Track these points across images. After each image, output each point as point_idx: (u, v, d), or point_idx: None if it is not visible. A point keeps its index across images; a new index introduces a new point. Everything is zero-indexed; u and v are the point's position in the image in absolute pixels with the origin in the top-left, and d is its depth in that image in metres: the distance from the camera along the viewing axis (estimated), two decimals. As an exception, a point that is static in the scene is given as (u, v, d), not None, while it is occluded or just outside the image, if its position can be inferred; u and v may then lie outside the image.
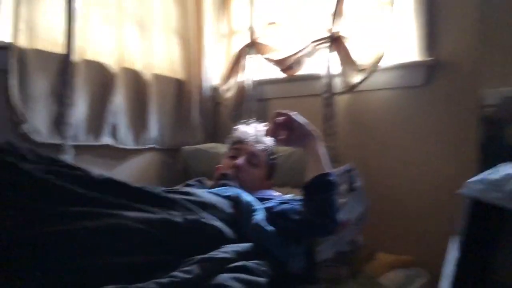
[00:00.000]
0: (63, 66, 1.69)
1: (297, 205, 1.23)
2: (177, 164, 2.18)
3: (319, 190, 1.21)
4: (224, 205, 1.19)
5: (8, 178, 0.86)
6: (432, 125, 1.77)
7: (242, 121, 1.73)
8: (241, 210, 1.19)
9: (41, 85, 1.64)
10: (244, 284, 0.91)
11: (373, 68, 1.77)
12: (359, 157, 1.88)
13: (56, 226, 0.84)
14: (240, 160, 1.51)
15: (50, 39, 1.68)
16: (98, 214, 0.90)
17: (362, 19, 1.87)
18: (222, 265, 0.95)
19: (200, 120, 2.33)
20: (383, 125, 1.90)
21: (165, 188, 1.22)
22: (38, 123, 1.63)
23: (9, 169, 0.87)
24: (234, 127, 1.69)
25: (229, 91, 2.27)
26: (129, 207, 0.96)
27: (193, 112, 2.29)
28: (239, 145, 1.58)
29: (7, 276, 0.78)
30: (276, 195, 1.51)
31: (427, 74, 1.77)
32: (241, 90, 2.24)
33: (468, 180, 0.85)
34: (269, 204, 1.30)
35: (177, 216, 1.00)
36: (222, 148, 1.98)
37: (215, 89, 2.42)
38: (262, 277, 0.98)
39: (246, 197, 1.25)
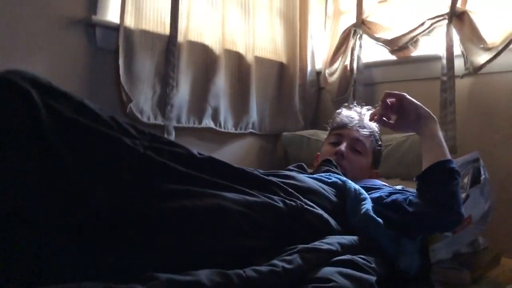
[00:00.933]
0: (167, 47, 1.72)
1: (411, 196, 1.08)
2: (277, 150, 2.14)
3: (439, 180, 1.05)
4: (329, 192, 1.09)
5: (110, 152, 0.85)
6: None
7: (344, 105, 1.62)
8: (349, 198, 1.08)
9: (146, 65, 1.67)
10: (351, 281, 0.81)
11: (504, 46, 1.54)
12: (481, 149, 1.67)
13: (155, 204, 0.81)
14: (343, 147, 1.39)
15: (156, 20, 1.71)
16: (198, 193, 0.85)
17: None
18: (327, 257, 0.86)
19: (301, 105, 2.26)
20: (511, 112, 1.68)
21: (265, 171, 1.14)
22: (143, 103, 1.67)
23: (112, 143, 0.85)
24: (336, 112, 1.58)
25: (333, 75, 2.17)
26: (229, 187, 0.91)
27: (295, 97, 2.23)
28: (342, 130, 1.46)
29: (105, 252, 0.75)
30: (383, 185, 1.36)
31: None
32: (347, 74, 2.14)
33: None
34: (377, 193, 1.16)
35: (278, 201, 0.92)
36: (323, 135, 1.90)
37: (318, 74, 2.34)
38: (371, 275, 0.87)
39: (353, 184, 1.13)
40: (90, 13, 1.57)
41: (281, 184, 0.99)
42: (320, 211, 0.99)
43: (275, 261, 0.80)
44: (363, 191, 1.12)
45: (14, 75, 0.79)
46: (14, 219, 0.69)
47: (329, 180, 1.15)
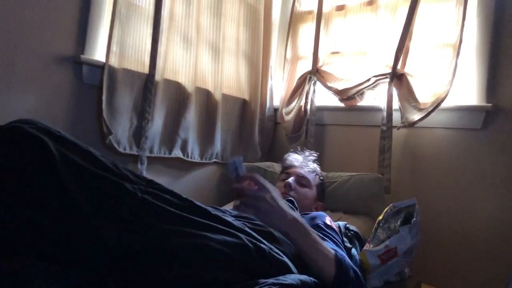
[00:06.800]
0: (145, 84, 1.86)
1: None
2: (236, 179, 2.32)
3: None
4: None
5: (114, 195, 1.02)
6: (485, 168, 1.82)
7: (291, 150, 1.91)
8: None
9: (126, 100, 1.80)
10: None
11: (433, 108, 1.81)
12: (410, 191, 1.96)
13: (153, 241, 0.99)
14: (291, 180, 1.66)
15: (137, 60, 1.85)
16: (187, 233, 1.04)
17: (426, 59, 1.94)
18: (289, 289, 1.07)
19: (259, 138, 2.46)
20: (437, 162, 1.96)
21: (236, 213, 1.34)
22: (120, 134, 1.80)
23: (115, 188, 1.03)
24: (285, 155, 1.86)
25: (289, 114, 2.37)
26: (210, 228, 1.10)
27: (255, 131, 2.42)
28: (289, 169, 1.75)
29: (109, 279, 0.92)
30: (325, 219, 1.52)
31: (485, 119, 1.82)
32: (301, 114, 2.35)
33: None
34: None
35: (249, 242, 1.13)
36: (278, 167, 2.10)
37: (275, 110, 2.55)
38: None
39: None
40: (78, 52, 1.69)
41: (250, 230, 1.19)
42: (284, 259, 1.20)
43: (252, 291, 1.01)
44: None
45: (29, 125, 0.96)
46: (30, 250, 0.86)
47: None
